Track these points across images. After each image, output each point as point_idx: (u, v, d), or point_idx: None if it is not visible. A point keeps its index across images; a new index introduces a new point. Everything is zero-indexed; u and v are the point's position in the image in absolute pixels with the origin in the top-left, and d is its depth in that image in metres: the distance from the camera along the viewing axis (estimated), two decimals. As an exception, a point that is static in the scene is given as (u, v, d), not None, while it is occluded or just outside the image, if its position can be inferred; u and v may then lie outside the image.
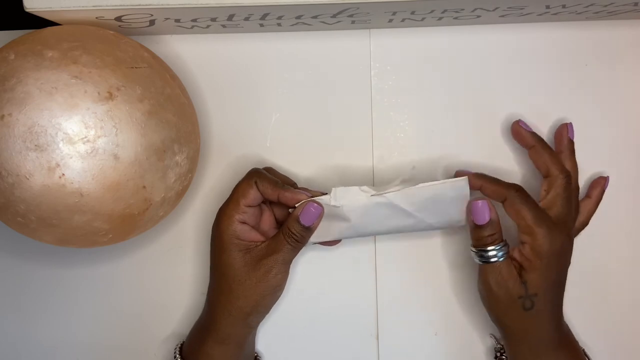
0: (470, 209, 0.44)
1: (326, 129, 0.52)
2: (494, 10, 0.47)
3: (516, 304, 0.43)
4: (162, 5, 0.41)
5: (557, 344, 0.44)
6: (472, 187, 0.44)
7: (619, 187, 0.52)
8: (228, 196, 0.45)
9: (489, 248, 0.43)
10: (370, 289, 0.51)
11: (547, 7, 0.46)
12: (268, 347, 0.51)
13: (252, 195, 0.44)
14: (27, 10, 0.41)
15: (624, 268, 0.52)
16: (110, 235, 0.43)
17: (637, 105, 0.52)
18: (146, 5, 0.41)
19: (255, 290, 0.43)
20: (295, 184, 0.48)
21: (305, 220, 0.43)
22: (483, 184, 0.44)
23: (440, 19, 0.49)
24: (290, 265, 0.45)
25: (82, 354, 0.51)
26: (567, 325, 0.46)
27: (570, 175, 0.46)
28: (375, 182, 0.51)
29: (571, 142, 0.48)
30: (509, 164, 0.52)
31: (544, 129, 0.52)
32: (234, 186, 0.45)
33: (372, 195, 0.43)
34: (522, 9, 0.47)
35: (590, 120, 0.52)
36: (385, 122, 0.52)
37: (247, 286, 0.43)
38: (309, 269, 0.51)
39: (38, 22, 0.43)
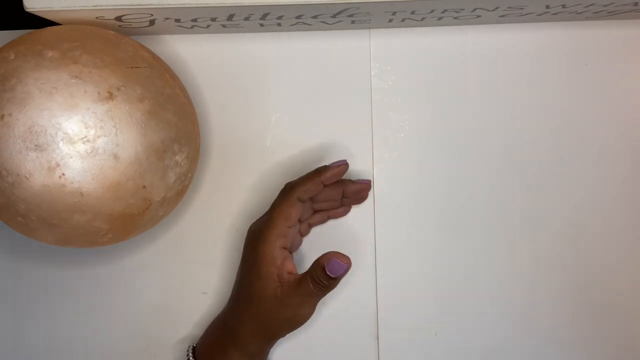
0: None
1: (326, 129, 0.52)
2: (494, 10, 0.47)
3: None
4: (162, 5, 0.41)
5: None
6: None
7: (618, 187, 0.52)
8: (264, 217, 0.45)
9: None
10: (370, 288, 0.51)
11: (547, 7, 0.46)
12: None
13: (295, 214, 0.44)
14: (27, 10, 0.41)
15: (621, 267, 0.52)
16: (110, 235, 0.43)
17: (637, 105, 0.52)
18: (146, 5, 0.41)
19: (288, 322, 0.44)
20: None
21: (332, 272, 0.41)
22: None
23: (440, 19, 0.49)
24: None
25: (82, 353, 0.51)
26: None
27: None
28: (375, 182, 0.52)
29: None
30: (507, 161, 0.52)
31: (543, 129, 0.52)
32: (229, 185, 0.44)
33: None
34: (522, 9, 0.47)
35: (590, 120, 0.52)
36: (385, 122, 0.52)
37: (283, 317, 0.44)
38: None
39: (38, 22, 0.43)
